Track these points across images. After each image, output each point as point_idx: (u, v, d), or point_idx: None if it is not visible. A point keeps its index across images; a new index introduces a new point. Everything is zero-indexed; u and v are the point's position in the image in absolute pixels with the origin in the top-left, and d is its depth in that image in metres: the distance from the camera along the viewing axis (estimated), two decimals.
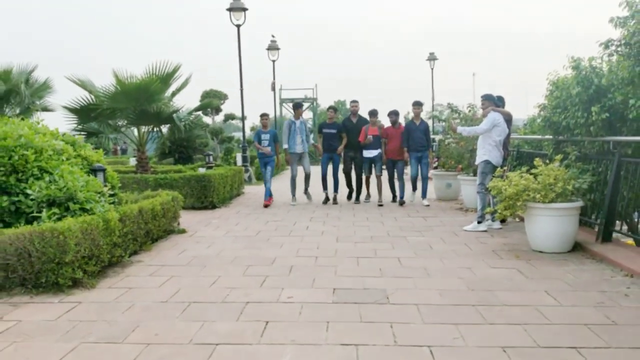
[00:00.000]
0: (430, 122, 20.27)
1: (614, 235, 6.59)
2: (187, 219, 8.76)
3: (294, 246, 6.92)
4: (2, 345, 3.73)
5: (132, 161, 23.25)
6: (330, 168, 11.08)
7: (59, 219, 5.28)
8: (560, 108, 7.17)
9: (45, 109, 19.38)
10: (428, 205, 10.38)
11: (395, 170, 10.75)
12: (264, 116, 11.53)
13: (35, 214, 5.42)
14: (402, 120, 12.63)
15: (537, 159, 6.78)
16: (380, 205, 10.54)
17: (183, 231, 7.90)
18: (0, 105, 18.41)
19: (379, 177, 10.84)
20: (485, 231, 7.76)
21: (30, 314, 4.36)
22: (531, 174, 6.60)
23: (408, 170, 10.88)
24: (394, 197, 11.00)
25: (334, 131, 10.90)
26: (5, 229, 5.03)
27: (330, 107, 11.50)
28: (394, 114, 10.85)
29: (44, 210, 5.39)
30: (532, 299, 4.63)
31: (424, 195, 10.72)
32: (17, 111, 18.93)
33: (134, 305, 4.57)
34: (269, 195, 11.06)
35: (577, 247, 6.45)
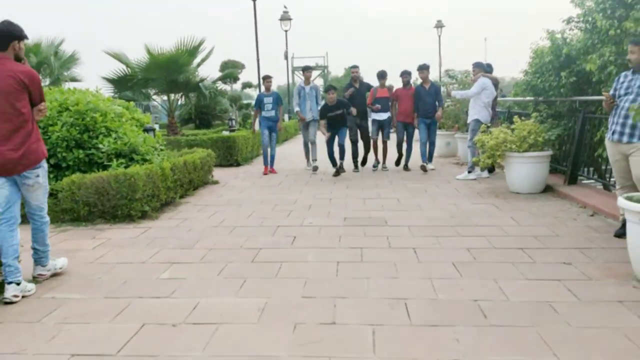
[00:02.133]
0: None
1: (580, 179, 7.90)
2: (217, 173, 10.13)
3: (311, 192, 8.27)
4: (103, 251, 5.15)
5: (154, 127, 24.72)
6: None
7: (126, 167, 6.66)
8: (538, 73, 8.37)
9: (74, 80, 20.71)
10: (433, 169, 10.31)
11: (405, 134, 10.41)
12: (266, 78, 10.93)
13: (105, 164, 6.81)
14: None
15: (515, 116, 8.04)
16: (385, 170, 10.52)
17: (216, 182, 9.30)
18: None
19: (385, 142, 10.62)
20: (474, 179, 9.07)
21: (115, 234, 5.78)
22: (511, 129, 7.87)
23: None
24: (399, 160, 10.68)
25: (339, 112, 9.76)
26: (86, 174, 6.42)
27: (329, 87, 10.21)
28: (407, 74, 10.34)
29: (113, 160, 6.77)
30: (498, 222, 5.96)
31: (430, 159, 10.36)
32: (47, 82, 20.31)
33: (193, 228, 5.97)
34: (268, 162, 10.53)
35: (547, 189, 7.75)
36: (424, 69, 10.22)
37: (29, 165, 3.95)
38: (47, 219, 4.29)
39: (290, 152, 13.21)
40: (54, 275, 4.40)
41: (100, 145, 6.81)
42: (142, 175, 6.35)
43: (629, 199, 4.07)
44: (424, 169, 10.12)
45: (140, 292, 3.98)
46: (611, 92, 5.21)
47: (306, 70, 11.09)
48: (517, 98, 10.98)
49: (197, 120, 19.48)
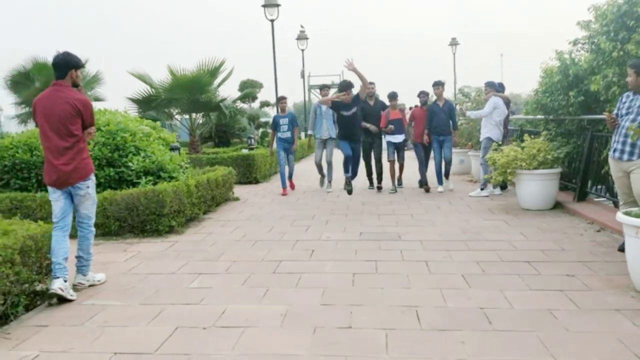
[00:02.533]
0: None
1: (590, 196, 8.12)
2: (237, 191, 10.48)
3: (328, 207, 8.61)
4: (135, 263, 5.52)
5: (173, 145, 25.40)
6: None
7: (154, 184, 7.06)
8: (547, 92, 8.65)
9: (97, 99, 21.38)
10: (451, 189, 10.04)
11: (425, 154, 10.29)
12: (281, 100, 11.06)
13: (134, 181, 7.22)
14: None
15: (525, 134, 8.33)
16: (400, 187, 10.56)
17: (237, 199, 9.68)
18: None
19: (401, 164, 10.53)
20: (487, 196, 9.33)
21: (145, 248, 6.16)
22: (521, 147, 8.15)
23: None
24: (424, 184, 10.25)
25: (353, 111, 8.59)
26: (117, 191, 6.83)
27: (343, 85, 8.72)
28: (424, 94, 10.37)
29: (142, 178, 7.18)
30: (508, 237, 6.23)
31: (446, 176, 10.13)
32: None
33: (217, 242, 6.33)
34: (286, 182, 10.53)
35: (557, 206, 7.99)
36: (439, 85, 10.06)
37: (80, 178, 4.52)
38: (94, 229, 4.76)
39: (306, 169, 13.57)
40: (91, 286, 4.77)
41: (130, 164, 7.23)
42: (170, 192, 6.74)
43: (627, 214, 4.34)
44: (427, 190, 10.00)
45: (172, 299, 4.33)
46: (615, 111, 5.49)
47: (323, 88, 11.05)
48: (527, 116, 11.25)
49: (216, 139, 19.99)
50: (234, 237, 6.59)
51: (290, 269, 5.10)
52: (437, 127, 9.91)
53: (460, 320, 3.74)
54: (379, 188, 10.41)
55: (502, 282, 4.56)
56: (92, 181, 4.69)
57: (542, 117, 9.28)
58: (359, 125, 9.12)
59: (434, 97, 10.34)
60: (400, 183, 10.72)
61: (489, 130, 9.41)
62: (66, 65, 4.49)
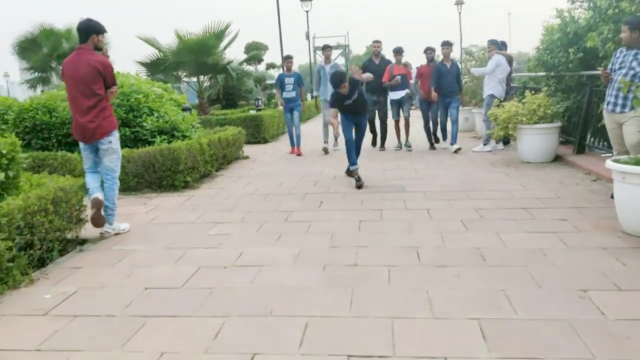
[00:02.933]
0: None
1: (589, 149, 8.39)
2: (247, 150, 10.81)
3: (334, 165, 8.92)
4: (156, 214, 5.90)
5: None
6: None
7: (168, 143, 7.38)
8: (548, 50, 8.81)
9: None
10: (460, 149, 9.65)
11: (430, 113, 10.22)
12: (287, 59, 10.90)
13: (149, 140, 7.55)
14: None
15: (527, 91, 8.54)
16: (409, 149, 10.26)
17: (247, 157, 10.01)
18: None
19: (407, 119, 10.31)
20: (489, 151, 9.61)
21: (163, 201, 6.53)
22: (522, 103, 8.38)
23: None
24: (431, 144, 10.37)
25: (355, 96, 7.11)
26: (134, 149, 7.16)
27: (335, 80, 7.00)
28: (431, 50, 10.26)
29: (157, 137, 7.51)
30: (507, 187, 6.54)
31: (453, 140, 9.90)
32: None
33: (230, 196, 6.69)
34: (295, 143, 10.54)
35: (557, 159, 8.27)
36: (448, 45, 9.93)
37: (103, 134, 4.91)
38: (118, 181, 5.14)
39: (312, 131, 13.85)
40: (117, 234, 5.15)
41: (145, 124, 7.54)
42: (184, 150, 7.07)
43: (616, 161, 4.64)
44: (433, 146, 10.26)
45: (193, 244, 4.71)
46: (609, 66, 5.72)
47: (325, 49, 10.72)
48: (530, 74, 11.39)
49: (223, 101, 20.20)
50: (246, 192, 6.94)
51: (300, 218, 5.45)
52: (444, 88, 9.81)
53: (457, 258, 4.09)
54: (382, 149, 10.48)
55: (498, 226, 4.89)
56: (114, 137, 5.04)
57: (544, 73, 9.46)
58: (364, 101, 7.49)
59: (441, 57, 10.20)
60: (408, 145, 10.40)
61: (492, 87, 9.62)
62: (87, 31, 4.85)
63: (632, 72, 5.40)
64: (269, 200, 6.37)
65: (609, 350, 2.63)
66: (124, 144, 7.53)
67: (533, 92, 8.53)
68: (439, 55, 10.86)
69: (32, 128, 7.52)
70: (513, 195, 6.09)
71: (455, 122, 9.95)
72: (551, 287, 3.46)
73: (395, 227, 4.98)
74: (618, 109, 5.52)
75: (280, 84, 10.53)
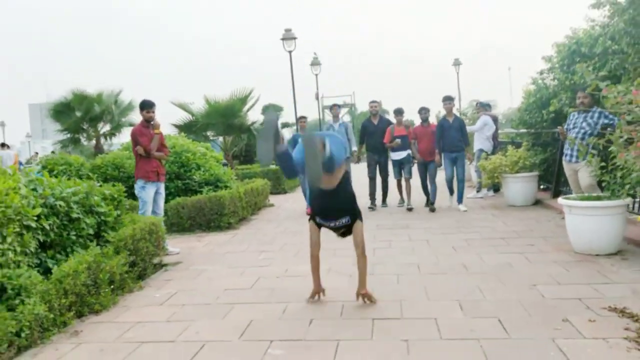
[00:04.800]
0: None
1: (562, 193, 9.93)
2: (270, 199, 12.43)
3: None
4: (211, 247, 7.44)
5: None
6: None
7: (214, 192, 9.00)
8: (527, 110, 10.53)
9: (132, 125, 23.51)
10: (465, 211, 9.36)
11: (427, 172, 9.93)
12: (301, 119, 11.09)
13: (197, 190, 9.18)
14: (432, 119, 11.91)
15: (509, 145, 10.20)
16: (410, 210, 9.99)
17: (272, 205, 11.62)
18: (96, 123, 22.80)
19: (407, 180, 10.12)
20: (482, 197, 11.18)
21: (214, 238, 8.08)
22: (506, 156, 10.01)
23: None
24: (427, 200, 10.03)
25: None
26: (187, 197, 8.77)
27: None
28: (425, 111, 9.98)
29: (204, 187, 9.14)
30: (492, 224, 8.07)
31: (459, 199, 9.67)
32: (108, 127, 23.23)
33: (267, 234, 8.25)
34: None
35: (537, 202, 9.82)
36: (449, 100, 9.76)
37: (136, 179, 7.09)
38: (157, 216, 7.00)
39: None
40: (188, 256, 6.68)
41: (194, 177, 9.20)
42: (227, 197, 8.68)
43: (566, 198, 6.21)
44: (432, 210, 9.72)
45: (249, 264, 6.25)
46: (565, 126, 7.37)
47: (333, 107, 10.92)
48: (516, 130, 13.11)
49: (241, 157, 21.98)
50: (278, 230, 8.51)
51: (327, 246, 6.89)
52: (448, 144, 9.55)
53: (446, 269, 5.60)
54: (384, 205, 10.54)
55: (480, 250, 6.41)
56: (137, 184, 7.04)
57: (525, 130, 11.15)
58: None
59: (442, 113, 10.34)
60: (410, 207, 10.10)
61: (481, 142, 11.29)
62: (139, 108, 7.11)
63: (582, 130, 7.04)
64: (299, 235, 7.91)
65: (542, 314, 4.12)
66: (177, 194, 9.19)
67: (514, 146, 10.16)
68: (440, 111, 12.37)
69: (103, 181, 9.15)
70: (496, 230, 7.62)
71: (461, 181, 9.69)
72: (511, 284, 4.97)
73: (402, 252, 6.51)
74: (573, 159, 7.14)
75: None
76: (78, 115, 22.21)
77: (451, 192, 9.97)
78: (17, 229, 4.26)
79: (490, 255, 6.10)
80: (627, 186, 5.18)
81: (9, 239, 4.15)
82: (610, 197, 5.78)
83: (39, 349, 3.92)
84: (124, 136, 25.92)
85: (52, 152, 23.16)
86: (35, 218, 4.45)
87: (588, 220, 5.84)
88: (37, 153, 33.02)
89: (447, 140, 9.57)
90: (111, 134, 23.30)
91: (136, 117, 23.98)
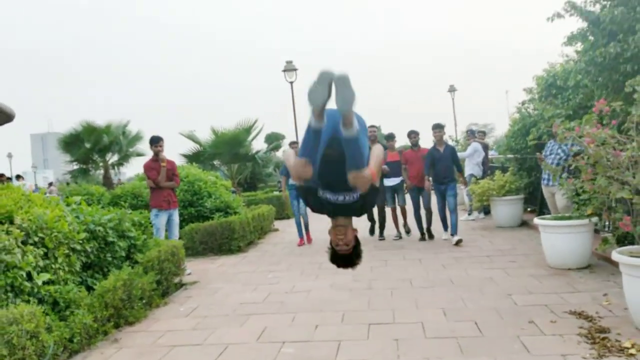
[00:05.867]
0: None
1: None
2: (275, 224, 13.19)
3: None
4: (224, 268, 8.19)
5: None
6: None
7: (224, 217, 9.78)
8: (513, 137, 11.36)
9: (139, 154, 24.34)
10: (461, 240, 8.80)
11: (420, 199, 9.56)
12: (293, 144, 10.50)
13: (209, 216, 9.95)
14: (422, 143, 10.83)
15: (496, 170, 11.00)
16: (408, 232, 10.07)
17: (277, 229, 12.39)
18: (104, 154, 23.61)
19: (403, 208, 9.94)
20: (473, 220, 11.94)
21: (226, 260, 8.83)
22: (493, 180, 10.79)
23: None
24: (422, 234, 9.62)
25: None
26: (199, 223, 9.53)
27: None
28: (414, 134, 9.61)
29: (215, 213, 9.91)
30: (480, 243, 8.82)
31: (453, 231, 8.97)
32: (116, 157, 24.04)
33: (274, 255, 9.01)
34: (303, 232, 10.06)
35: (523, 223, 10.57)
36: (439, 128, 9.13)
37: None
38: (173, 241, 7.54)
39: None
40: (204, 276, 7.42)
41: (206, 204, 9.98)
42: (237, 223, 9.45)
43: (541, 218, 6.98)
44: (430, 236, 9.54)
45: (260, 282, 6.99)
46: (543, 153, 8.18)
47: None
48: (505, 155, 13.91)
49: (245, 184, 22.82)
50: (284, 252, 9.25)
51: (329, 267, 7.64)
52: (438, 174, 9.03)
53: (435, 283, 6.34)
54: (382, 238, 10.01)
55: (467, 266, 7.15)
56: (152, 213, 7.82)
57: (512, 156, 11.96)
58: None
59: (434, 141, 9.51)
60: (407, 231, 10.10)
61: (471, 168, 12.09)
62: (149, 142, 8.01)
63: (558, 157, 7.85)
64: (304, 256, 8.67)
65: (512, 317, 4.86)
66: (190, 220, 9.96)
67: (502, 171, 10.96)
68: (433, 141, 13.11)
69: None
70: (482, 249, 8.37)
71: (453, 212, 9.04)
72: (490, 294, 5.71)
73: (396, 269, 7.26)
74: (550, 182, 7.93)
75: (286, 170, 9.56)
76: (87, 146, 22.97)
77: (445, 226, 9.33)
78: (66, 251, 5.02)
79: (475, 271, 6.84)
80: (590, 207, 5.94)
81: (59, 260, 4.91)
82: (579, 216, 6.55)
83: (86, 353, 4.66)
84: (132, 166, 26.78)
85: (67, 183, 23.93)
86: (80, 242, 5.22)
87: (560, 237, 6.61)
88: (51, 183, 33.79)
89: (437, 171, 9.05)
90: (119, 164, 24.03)
91: (143, 147, 24.85)
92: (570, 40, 8.22)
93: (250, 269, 7.98)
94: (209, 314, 5.66)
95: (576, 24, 7.34)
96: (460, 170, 9.58)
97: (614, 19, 6.17)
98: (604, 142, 4.50)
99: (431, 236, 9.60)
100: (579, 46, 8.34)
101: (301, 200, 8.55)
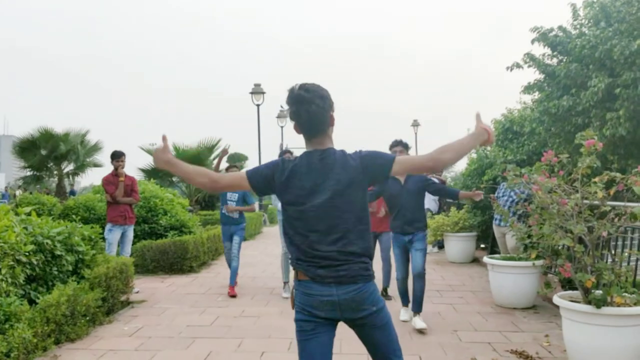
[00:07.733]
0: None
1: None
2: None
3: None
4: (174, 288, 8.05)
5: None
6: None
7: (179, 236, 9.65)
8: (470, 176, 11.66)
9: (96, 165, 23.84)
10: (425, 329, 5.66)
11: (379, 243, 7.33)
12: (231, 168, 8.61)
13: (163, 234, 9.80)
14: None
15: (452, 207, 11.25)
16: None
17: None
18: (60, 162, 23.01)
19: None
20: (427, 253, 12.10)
21: (176, 280, 8.69)
22: (448, 216, 11.02)
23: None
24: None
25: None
26: (152, 241, 9.38)
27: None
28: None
29: (169, 231, 9.78)
30: (431, 278, 8.93)
31: (417, 308, 5.89)
32: (72, 167, 23.46)
33: (226, 277, 8.88)
34: (234, 280, 7.63)
35: (475, 260, 10.81)
36: (399, 145, 5.97)
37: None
38: (123, 257, 7.39)
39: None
40: (152, 295, 7.28)
41: (161, 221, 9.84)
42: (191, 242, 9.34)
43: (491, 257, 7.16)
44: (386, 297, 7.30)
45: (209, 305, 6.90)
46: (496, 194, 8.42)
47: (284, 153, 7.78)
48: None
49: (202, 203, 22.54)
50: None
51: (280, 293, 7.71)
52: (399, 216, 5.85)
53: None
54: None
55: None
56: (107, 227, 7.78)
57: None
58: None
59: None
60: None
61: (427, 203, 12.28)
62: (110, 157, 7.90)
63: (510, 199, 8.10)
64: (257, 280, 8.62)
65: (455, 353, 4.95)
66: (143, 236, 9.79)
67: (457, 208, 11.22)
68: None
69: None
70: (433, 283, 8.50)
71: (419, 277, 5.99)
72: (437, 329, 5.80)
73: None
74: (502, 223, 8.15)
75: (223, 197, 7.90)
76: (43, 153, 22.38)
77: (405, 300, 6.33)
78: (11, 263, 4.87)
79: (424, 305, 6.92)
80: (534, 251, 6.13)
81: (3, 271, 4.76)
82: (527, 258, 6.75)
83: None
84: (88, 176, 26.12)
85: (26, 190, 23.16)
86: (26, 254, 5.08)
87: (507, 277, 6.79)
88: (6, 189, 32.64)
89: (397, 213, 5.87)
90: (75, 173, 23.44)
91: (101, 157, 24.37)
92: (527, 89, 8.59)
93: (201, 290, 7.88)
94: (153, 334, 5.55)
95: (533, 75, 7.68)
96: (456, 193, 6.69)
97: (568, 73, 6.48)
98: (551, 190, 4.69)
99: (387, 297, 7.30)
100: (536, 95, 8.72)
101: (234, 239, 7.80)
